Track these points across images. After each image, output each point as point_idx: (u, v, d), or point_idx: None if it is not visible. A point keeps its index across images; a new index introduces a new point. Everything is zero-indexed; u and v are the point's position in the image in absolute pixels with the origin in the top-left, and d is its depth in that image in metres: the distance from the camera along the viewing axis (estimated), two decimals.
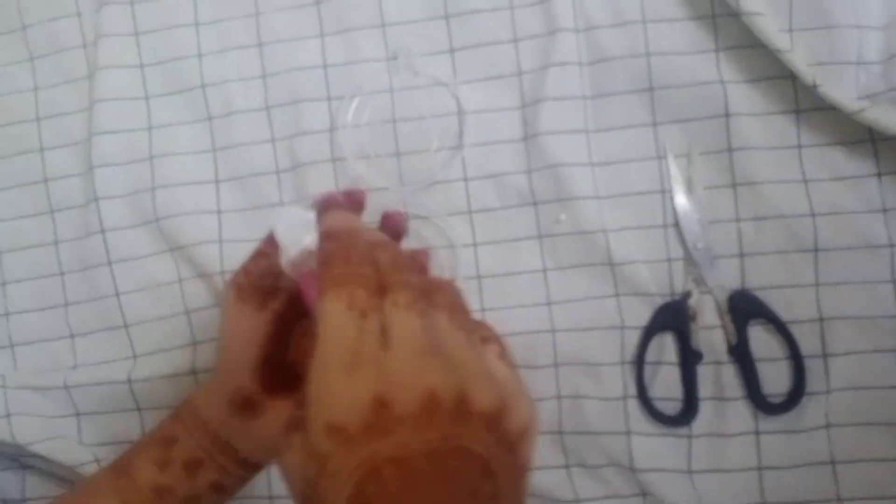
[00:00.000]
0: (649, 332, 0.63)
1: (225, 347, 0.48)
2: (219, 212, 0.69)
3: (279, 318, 0.48)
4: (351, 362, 0.28)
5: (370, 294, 0.30)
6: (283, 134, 0.68)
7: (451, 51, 0.67)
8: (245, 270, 0.49)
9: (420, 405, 0.27)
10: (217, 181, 0.70)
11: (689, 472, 0.62)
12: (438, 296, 0.32)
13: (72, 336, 0.72)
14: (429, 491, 0.27)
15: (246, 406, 0.47)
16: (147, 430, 0.52)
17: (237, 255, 0.67)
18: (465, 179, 0.66)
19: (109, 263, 0.70)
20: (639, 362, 0.63)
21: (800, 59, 0.59)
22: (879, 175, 0.60)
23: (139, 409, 0.69)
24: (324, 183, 0.67)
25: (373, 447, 0.27)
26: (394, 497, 0.26)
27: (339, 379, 0.28)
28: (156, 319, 0.70)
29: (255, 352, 0.47)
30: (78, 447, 0.70)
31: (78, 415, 0.70)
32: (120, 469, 0.48)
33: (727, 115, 0.62)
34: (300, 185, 0.68)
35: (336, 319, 0.29)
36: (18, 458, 0.72)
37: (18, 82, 0.74)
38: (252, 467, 0.49)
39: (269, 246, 0.50)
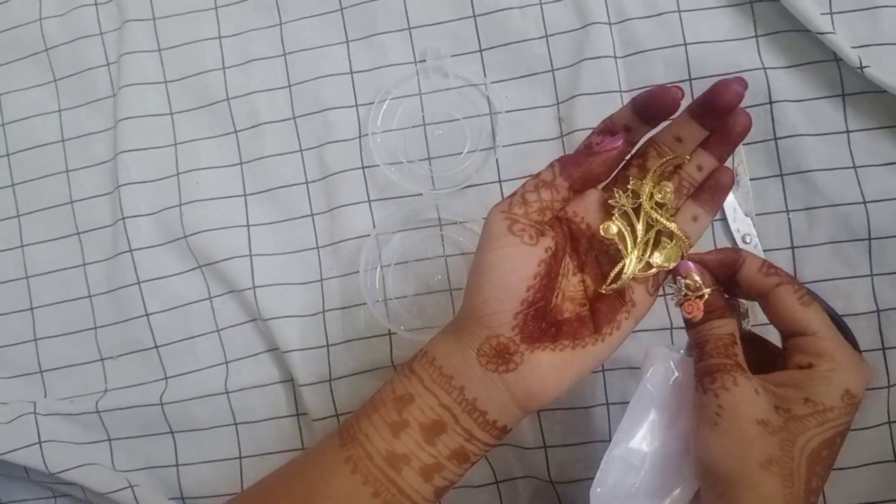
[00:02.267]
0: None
1: (484, 286, 0.41)
2: (248, 226, 0.68)
3: (552, 259, 0.42)
4: (853, 353, 0.41)
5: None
6: (312, 143, 0.67)
7: (481, 50, 0.65)
8: (523, 199, 0.42)
9: (850, 398, 0.38)
10: (245, 195, 0.68)
11: None
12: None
13: (101, 359, 0.70)
14: (835, 450, 0.38)
15: (499, 356, 0.41)
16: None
17: (268, 269, 0.66)
18: (500, 181, 0.64)
19: (138, 283, 0.68)
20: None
21: (843, 41, 0.57)
22: None
23: (172, 432, 0.68)
24: (355, 191, 0.66)
25: (851, 415, 0.38)
26: (828, 460, 0.38)
27: (856, 361, 0.40)
28: (186, 339, 0.68)
29: (522, 293, 0.41)
30: (111, 473, 0.68)
31: (110, 440, 0.69)
32: (347, 436, 0.42)
33: (770, 102, 0.60)
34: (330, 194, 0.66)
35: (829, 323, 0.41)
36: (50, 486, 0.70)
37: (42, 104, 0.73)
38: (500, 431, 0.43)
39: (558, 178, 0.43)
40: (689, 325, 0.43)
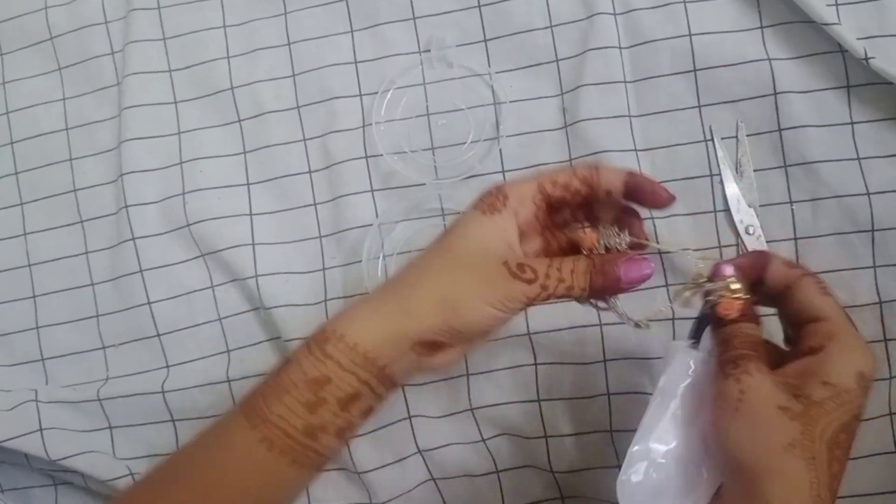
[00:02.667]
0: (702, 323, 0.59)
1: (467, 323, 0.42)
2: (251, 215, 0.68)
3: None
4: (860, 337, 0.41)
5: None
6: (315, 133, 0.67)
7: (485, 40, 0.65)
8: (547, 295, 0.43)
9: (863, 380, 0.39)
10: (248, 184, 0.68)
11: None
12: None
13: (103, 347, 0.70)
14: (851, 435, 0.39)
15: (435, 347, 0.43)
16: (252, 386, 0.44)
17: (270, 258, 0.66)
18: (504, 171, 0.64)
19: (141, 272, 0.68)
20: (697, 331, 0.59)
21: (849, 32, 0.57)
22: None
23: (173, 421, 0.68)
24: (358, 181, 0.66)
25: (865, 397, 0.39)
26: (846, 444, 0.38)
27: (862, 343, 0.41)
28: (189, 327, 0.68)
29: (491, 335, 0.45)
30: (112, 461, 0.68)
31: (111, 428, 0.69)
32: (257, 417, 0.41)
33: (775, 93, 0.60)
34: (334, 184, 0.66)
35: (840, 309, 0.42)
36: (51, 474, 0.70)
37: (47, 93, 0.73)
38: (400, 388, 0.48)
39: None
40: (720, 323, 0.43)
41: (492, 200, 0.43)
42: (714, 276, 0.44)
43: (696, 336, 0.59)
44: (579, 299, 0.45)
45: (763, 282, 0.44)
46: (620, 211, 0.46)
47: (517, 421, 0.63)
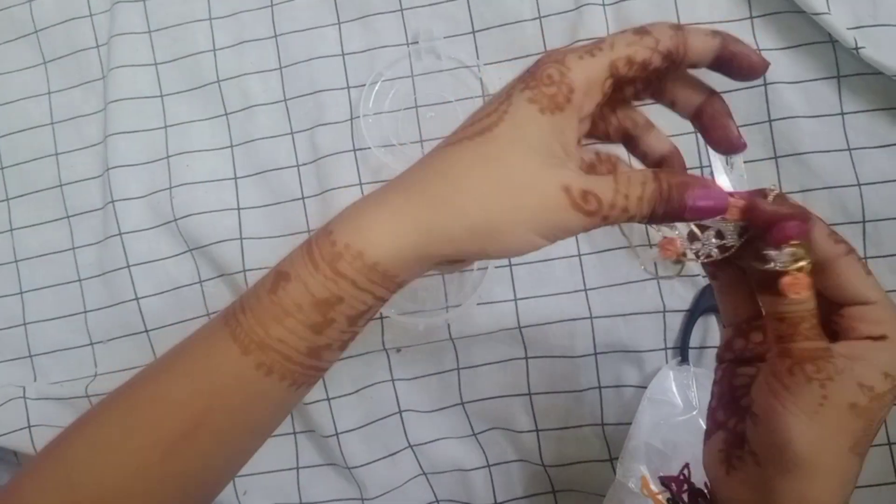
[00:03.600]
0: (693, 315, 0.60)
1: (500, 247, 0.35)
2: (238, 209, 0.67)
3: None
4: None
5: None
6: (303, 126, 0.67)
7: (474, 32, 0.65)
8: (614, 214, 0.35)
9: None
10: (236, 177, 0.68)
11: None
12: None
13: (91, 344, 0.70)
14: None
15: (453, 264, 0.38)
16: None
17: (259, 252, 0.65)
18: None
19: (128, 267, 0.68)
20: (683, 347, 0.60)
21: (839, 21, 0.56)
22: None
23: None
24: (346, 174, 0.65)
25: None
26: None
27: None
28: (177, 323, 0.68)
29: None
30: None
31: None
32: (251, 342, 0.36)
33: (765, 83, 0.59)
34: (322, 177, 0.66)
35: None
36: None
37: (32, 87, 0.72)
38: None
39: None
40: (776, 301, 0.36)
41: (553, 93, 0.34)
42: (776, 236, 0.35)
43: (683, 354, 0.60)
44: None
45: None
46: (697, 91, 0.39)
47: (508, 415, 0.63)
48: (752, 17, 0.60)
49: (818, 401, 0.34)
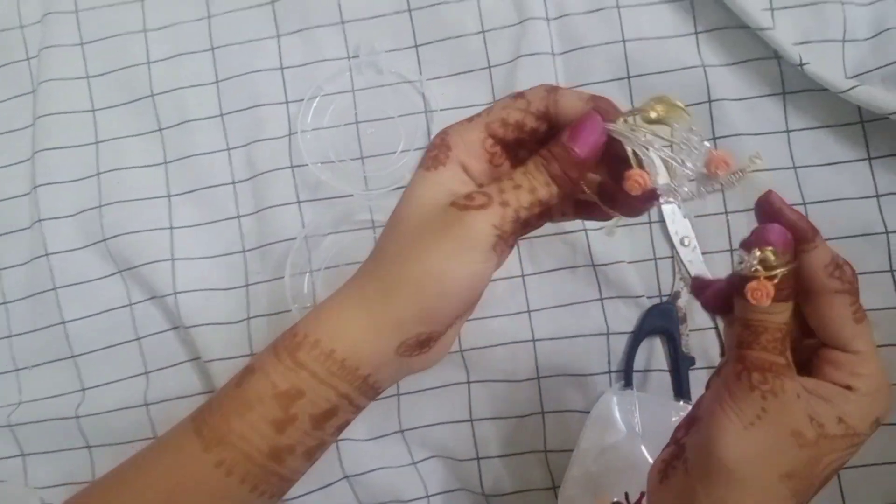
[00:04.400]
0: (637, 337, 0.58)
1: (450, 297, 0.36)
2: (171, 228, 0.64)
3: None
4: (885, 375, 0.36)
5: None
6: (240, 141, 0.64)
7: (416, 46, 0.63)
8: (517, 217, 0.35)
9: (876, 426, 0.35)
10: (169, 195, 0.65)
11: None
12: None
13: (16, 370, 0.66)
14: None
15: (423, 345, 0.37)
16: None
17: (191, 273, 0.63)
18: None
19: (55, 289, 0.65)
20: (627, 370, 0.58)
21: (784, 37, 0.55)
22: (870, 159, 0.57)
23: (89, 447, 0.64)
24: (284, 191, 0.63)
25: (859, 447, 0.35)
26: (828, 481, 0.35)
27: (887, 384, 0.35)
28: (105, 348, 0.65)
29: (478, 298, 0.38)
30: (24, 491, 0.64)
31: (23, 455, 0.65)
32: (212, 438, 0.36)
33: (710, 100, 0.58)
34: (259, 195, 0.63)
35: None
36: None
37: None
38: (377, 395, 0.40)
39: (554, 194, 0.36)
40: (745, 306, 0.35)
41: (434, 154, 0.37)
42: (755, 239, 0.34)
43: (627, 378, 0.58)
44: (574, 211, 0.40)
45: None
46: None
47: (449, 442, 0.60)
48: (696, 33, 0.59)
49: (756, 412, 0.33)
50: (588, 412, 0.57)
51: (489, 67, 0.62)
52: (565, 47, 0.61)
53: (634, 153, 0.34)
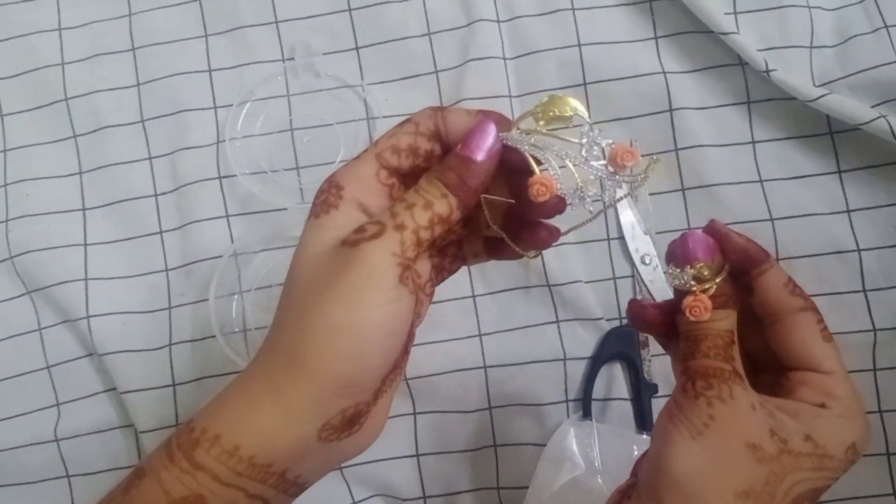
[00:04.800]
0: (596, 363, 0.55)
1: (364, 351, 0.31)
2: (85, 245, 0.59)
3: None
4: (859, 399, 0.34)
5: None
6: (163, 150, 0.59)
7: (357, 48, 0.59)
8: (417, 239, 0.31)
9: (853, 454, 0.33)
10: (84, 208, 0.59)
11: None
12: None
13: None
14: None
15: (350, 424, 0.32)
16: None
17: (106, 295, 0.57)
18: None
19: None
20: (585, 399, 0.55)
21: (749, 42, 0.52)
22: (840, 172, 0.54)
23: None
24: (211, 204, 0.58)
25: (835, 474, 0.32)
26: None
27: (862, 410, 0.34)
28: (12, 377, 0.59)
29: (399, 352, 0.33)
30: None
31: None
32: None
33: (671, 109, 0.55)
34: (183, 208, 0.58)
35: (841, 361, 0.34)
36: None
37: None
38: (302, 490, 0.34)
39: (455, 211, 0.32)
40: (686, 321, 0.34)
41: (324, 198, 0.33)
42: (682, 255, 0.34)
43: (585, 408, 0.54)
44: (485, 249, 0.38)
45: (750, 292, 0.35)
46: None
47: (393, 479, 0.56)
48: (656, 38, 0.56)
49: (703, 420, 0.31)
50: (544, 445, 0.53)
51: (436, 72, 0.58)
52: (517, 51, 0.58)
53: (536, 161, 0.32)
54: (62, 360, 0.58)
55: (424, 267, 0.37)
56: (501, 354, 0.56)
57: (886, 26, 0.54)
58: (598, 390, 0.55)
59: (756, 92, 0.54)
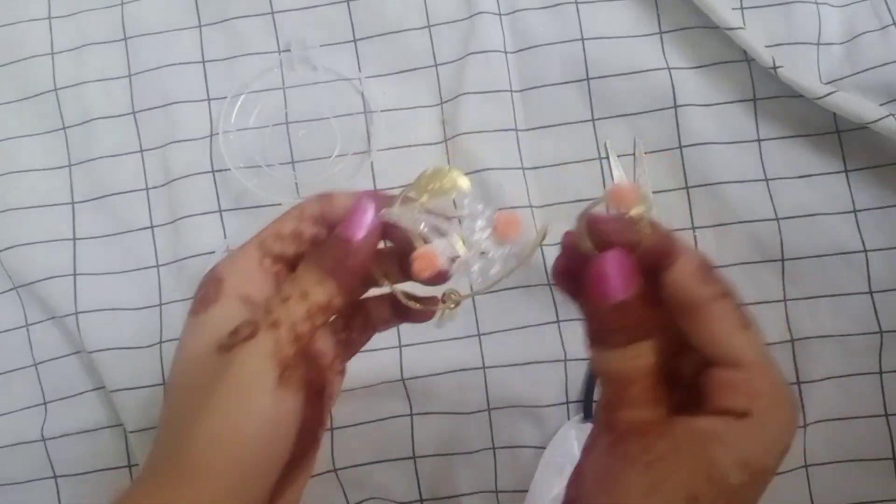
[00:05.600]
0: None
1: (246, 463, 0.29)
2: (74, 239, 0.58)
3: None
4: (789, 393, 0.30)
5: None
6: (154, 143, 0.58)
7: (355, 40, 0.59)
8: (294, 334, 0.30)
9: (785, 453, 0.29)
10: (73, 202, 0.58)
11: None
12: None
13: None
14: None
15: None
16: None
17: (95, 291, 0.56)
18: (376, 190, 0.56)
19: None
20: (586, 401, 0.54)
21: (755, 39, 0.52)
22: (847, 171, 0.54)
23: None
24: (204, 199, 0.57)
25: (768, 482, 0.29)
26: None
27: (793, 406, 0.30)
28: None
29: (287, 454, 0.31)
30: None
31: None
32: None
33: (675, 106, 0.55)
34: (175, 202, 0.57)
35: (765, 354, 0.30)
36: None
37: None
38: None
39: (335, 298, 0.32)
40: (594, 346, 0.31)
41: (203, 292, 0.32)
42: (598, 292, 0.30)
43: (587, 410, 0.54)
44: (394, 314, 0.37)
45: (659, 283, 0.30)
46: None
47: (389, 482, 0.55)
48: (660, 33, 0.56)
49: (642, 491, 0.28)
50: (544, 447, 0.53)
51: (435, 66, 0.58)
52: (518, 45, 0.57)
53: (423, 237, 0.31)
54: (49, 358, 0.57)
55: (327, 346, 0.35)
56: (501, 355, 0.55)
57: (895, 24, 0.53)
58: (599, 391, 0.54)
59: (762, 89, 0.54)
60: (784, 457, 0.29)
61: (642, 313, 0.29)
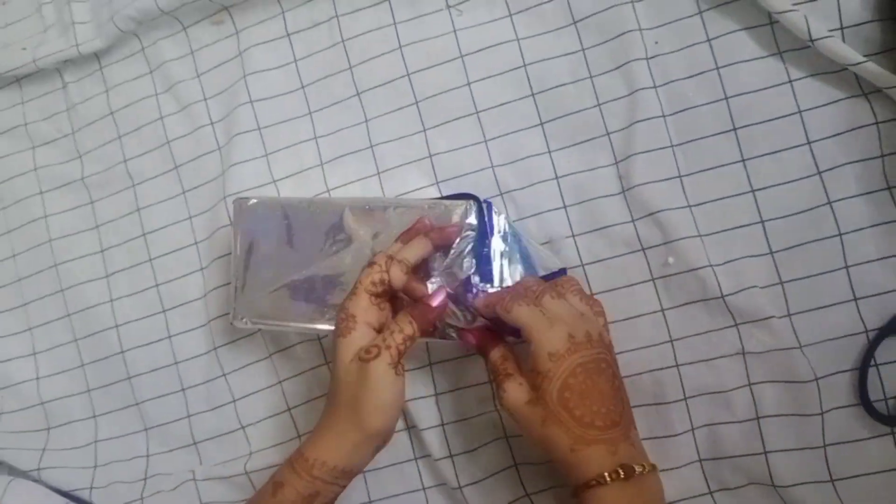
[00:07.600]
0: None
1: (387, 416, 0.59)
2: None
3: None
4: (550, 325, 0.56)
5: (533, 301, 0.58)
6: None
7: (542, 124, 0.71)
8: (397, 351, 0.58)
9: (585, 338, 0.56)
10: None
11: (831, 480, 0.62)
12: (569, 292, 0.62)
13: (243, 427, 0.78)
14: (595, 378, 0.55)
15: (386, 443, 0.61)
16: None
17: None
18: (573, 236, 0.69)
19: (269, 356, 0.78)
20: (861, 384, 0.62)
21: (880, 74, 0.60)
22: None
23: None
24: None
25: (570, 359, 0.55)
26: (581, 383, 0.55)
27: (548, 331, 0.56)
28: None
29: (400, 411, 0.62)
30: None
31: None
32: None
33: (809, 142, 0.64)
34: None
35: (531, 314, 0.58)
36: None
37: None
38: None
39: (416, 332, 0.60)
40: (481, 352, 0.62)
41: (345, 325, 0.59)
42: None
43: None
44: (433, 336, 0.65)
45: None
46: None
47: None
48: (790, 81, 0.64)
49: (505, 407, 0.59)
50: (737, 422, 0.64)
51: (608, 134, 0.69)
52: (673, 109, 0.67)
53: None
54: None
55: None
56: (690, 354, 0.65)
57: None
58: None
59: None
60: (561, 357, 0.55)
61: (486, 335, 0.62)
